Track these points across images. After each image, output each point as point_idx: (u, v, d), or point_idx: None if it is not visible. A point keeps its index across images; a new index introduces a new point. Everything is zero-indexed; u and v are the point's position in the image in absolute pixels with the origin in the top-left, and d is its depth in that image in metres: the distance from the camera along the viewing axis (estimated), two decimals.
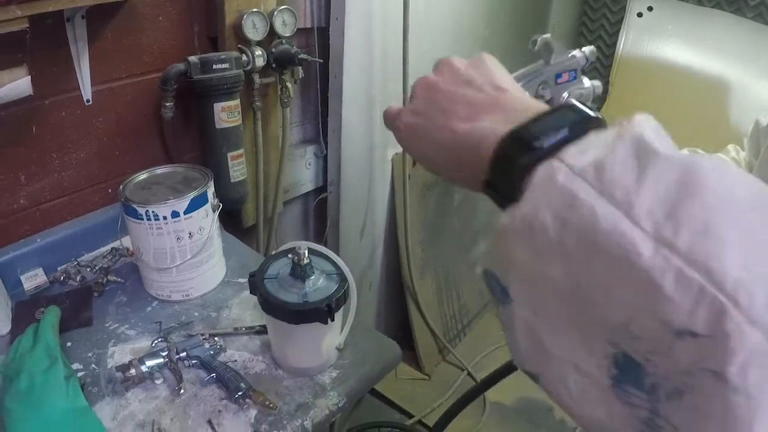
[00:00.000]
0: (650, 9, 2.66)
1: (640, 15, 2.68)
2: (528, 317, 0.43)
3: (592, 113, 0.44)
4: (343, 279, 1.11)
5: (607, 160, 0.38)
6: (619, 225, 0.35)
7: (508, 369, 1.43)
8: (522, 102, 0.51)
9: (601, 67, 2.98)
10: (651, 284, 0.34)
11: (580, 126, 0.43)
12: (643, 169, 0.36)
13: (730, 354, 0.31)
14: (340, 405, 1.13)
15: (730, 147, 1.14)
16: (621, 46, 2.75)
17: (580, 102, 0.45)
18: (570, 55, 0.80)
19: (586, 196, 0.37)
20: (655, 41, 2.67)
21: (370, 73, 2.10)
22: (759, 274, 0.32)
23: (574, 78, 0.79)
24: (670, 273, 0.33)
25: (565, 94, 0.78)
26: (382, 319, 2.75)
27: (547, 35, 0.78)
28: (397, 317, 2.76)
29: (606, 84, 2.81)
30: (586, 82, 0.81)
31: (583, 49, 0.81)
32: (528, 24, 2.87)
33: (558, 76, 0.78)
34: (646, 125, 0.39)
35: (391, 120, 0.60)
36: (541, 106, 0.49)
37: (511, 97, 0.51)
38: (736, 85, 2.46)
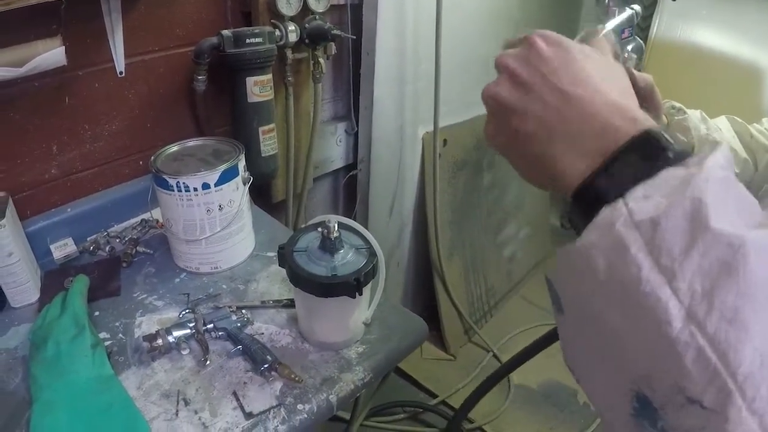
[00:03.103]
0: None
1: None
2: (574, 334, 0.48)
3: (673, 152, 0.45)
4: (372, 254, 1.10)
5: (662, 221, 0.39)
6: (659, 291, 0.38)
7: (533, 350, 1.42)
8: (596, 121, 0.50)
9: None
10: (674, 353, 0.37)
11: (655, 164, 0.44)
12: (693, 239, 0.38)
13: None
14: (365, 380, 1.12)
15: (765, 120, 1.14)
16: (654, 30, 2.71)
17: (665, 134, 0.46)
18: (628, 12, 0.87)
19: (636, 251, 0.40)
20: (688, 26, 2.62)
21: (402, 52, 2.08)
22: None
23: (632, 34, 0.87)
24: (693, 349, 0.36)
25: (629, 47, 0.87)
26: (409, 299, 2.75)
27: None
28: (423, 297, 2.76)
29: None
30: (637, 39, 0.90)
31: (633, 6, 0.88)
32: (562, 7, 2.84)
33: (621, 32, 0.86)
34: (712, 180, 0.40)
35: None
36: (615, 122, 0.49)
37: (581, 116, 0.51)
38: None
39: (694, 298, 0.37)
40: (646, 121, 0.48)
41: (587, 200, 0.48)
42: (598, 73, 0.53)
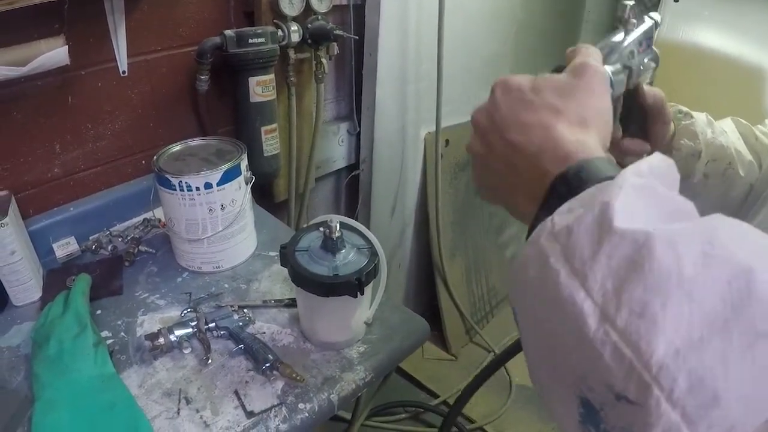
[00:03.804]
0: None
1: (676, 0, 2.63)
2: (529, 347, 0.49)
3: (596, 181, 0.47)
4: (373, 253, 1.10)
5: (574, 227, 0.41)
6: (575, 294, 0.39)
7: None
8: (534, 167, 0.53)
9: None
10: (595, 352, 0.38)
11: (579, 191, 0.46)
12: (600, 241, 0.39)
13: (649, 426, 0.35)
14: (367, 380, 1.12)
15: None
16: (657, 31, 2.70)
17: (591, 165, 0.49)
18: (647, 24, 0.84)
19: (554, 261, 0.42)
20: (691, 27, 2.61)
21: (404, 53, 2.08)
22: (685, 361, 0.35)
23: (649, 46, 0.84)
24: (609, 346, 0.37)
25: (646, 60, 0.83)
26: (411, 299, 2.75)
27: (632, 2, 0.82)
28: (425, 297, 2.76)
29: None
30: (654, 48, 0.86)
31: (652, 14, 0.85)
32: (564, 7, 2.83)
33: (640, 44, 0.82)
34: (625, 185, 0.42)
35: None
36: (553, 167, 0.51)
37: (524, 165, 0.54)
38: None
39: (605, 296, 0.38)
40: (578, 153, 0.50)
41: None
42: (549, 109, 0.55)
